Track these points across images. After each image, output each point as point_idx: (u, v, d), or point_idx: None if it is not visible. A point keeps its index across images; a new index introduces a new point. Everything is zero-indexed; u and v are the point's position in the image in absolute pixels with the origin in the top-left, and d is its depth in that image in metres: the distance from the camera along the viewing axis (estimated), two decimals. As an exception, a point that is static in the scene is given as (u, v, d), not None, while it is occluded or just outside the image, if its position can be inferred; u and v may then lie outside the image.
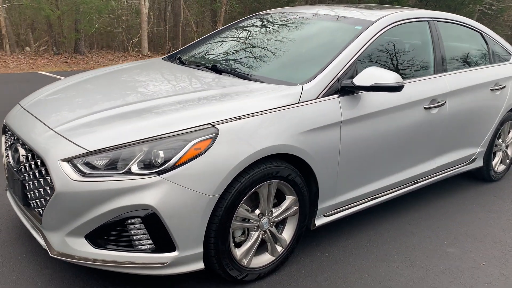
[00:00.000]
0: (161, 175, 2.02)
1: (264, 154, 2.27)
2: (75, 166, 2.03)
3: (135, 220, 2.04)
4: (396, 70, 3.09)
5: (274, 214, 2.48)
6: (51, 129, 2.23)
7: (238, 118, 2.24)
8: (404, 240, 3.03)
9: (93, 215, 2.03)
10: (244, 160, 2.18)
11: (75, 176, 2.01)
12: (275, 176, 2.37)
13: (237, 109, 2.28)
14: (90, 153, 2.04)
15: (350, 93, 2.70)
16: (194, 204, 2.08)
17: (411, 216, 3.39)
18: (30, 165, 2.24)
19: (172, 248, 2.11)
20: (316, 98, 2.55)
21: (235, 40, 3.49)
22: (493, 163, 4.15)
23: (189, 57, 3.41)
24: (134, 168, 2.03)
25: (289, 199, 2.52)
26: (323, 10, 3.47)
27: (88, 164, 2.04)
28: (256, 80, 2.70)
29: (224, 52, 3.35)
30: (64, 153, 2.06)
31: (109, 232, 2.07)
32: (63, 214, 2.06)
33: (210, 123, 2.17)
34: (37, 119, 2.36)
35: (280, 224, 2.61)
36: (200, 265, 2.21)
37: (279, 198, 2.54)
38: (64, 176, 2.02)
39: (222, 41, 3.57)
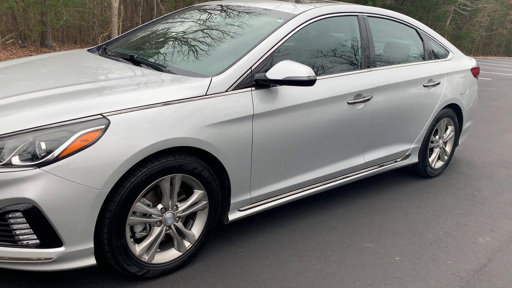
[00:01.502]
0: (42, 167, 1.94)
1: (164, 147, 2.21)
2: (-46, 157, 1.94)
3: (16, 214, 1.96)
4: (319, 64, 3.06)
5: (180, 209, 2.43)
6: None
7: (135, 109, 2.17)
8: (325, 235, 3.01)
9: (-29, 209, 1.94)
10: (138, 153, 2.12)
11: (-49, 168, 1.92)
12: (178, 170, 2.32)
13: (136, 100, 2.21)
14: (-32, 144, 1.95)
15: (265, 86, 2.66)
16: (80, 198, 2.01)
17: (339, 210, 3.38)
18: None
19: (58, 243, 2.04)
20: (226, 91, 2.50)
21: (160, 32, 3.43)
22: (430, 159, 4.18)
23: (113, 48, 3.33)
24: (15, 159, 1.95)
25: (196, 193, 2.47)
26: (253, 3, 3.43)
27: (-30, 156, 1.95)
28: (168, 72, 2.64)
29: (146, 43, 3.28)
30: None
31: (-10, 227, 1.99)
32: None
33: (101, 114, 2.10)
34: None
35: (190, 219, 2.56)
36: (91, 261, 2.14)
37: (189, 192, 2.49)
38: None
39: (149, 32, 3.50)
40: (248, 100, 2.57)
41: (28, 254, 2.01)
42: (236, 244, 2.80)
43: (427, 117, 3.90)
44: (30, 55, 12.05)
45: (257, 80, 2.62)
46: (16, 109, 2.11)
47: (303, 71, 2.57)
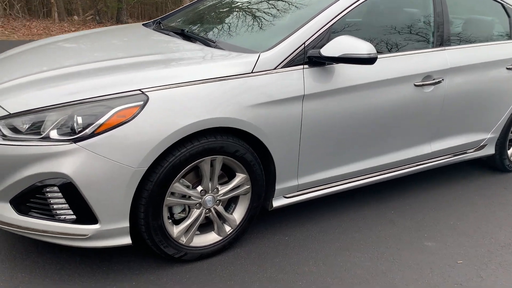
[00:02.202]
0: (78, 143, 1.90)
1: (204, 127, 2.09)
2: (-2, 129, 1.96)
3: (53, 188, 1.95)
4: (382, 41, 2.76)
5: (221, 192, 2.31)
6: (-13, 89, 2.16)
7: (175, 86, 2.06)
8: (379, 229, 2.77)
9: (13, 180, 1.95)
10: (177, 132, 2.01)
11: (-5, 139, 1.94)
12: (219, 152, 2.19)
13: (177, 76, 2.10)
14: (11, 116, 1.95)
15: (319, 64, 2.43)
16: (115, 176, 1.95)
17: (398, 203, 3.10)
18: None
19: (93, 221, 2.01)
20: (275, 69, 2.31)
21: (214, 6, 3.29)
22: (509, 152, 3.71)
23: (167, 22, 3.24)
24: (53, 133, 1.92)
25: (238, 177, 2.33)
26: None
27: (12, 127, 1.96)
28: (216, 47, 2.49)
29: (199, 18, 3.17)
30: (-13, 115, 1.99)
31: (30, 199, 1.99)
32: (-14, 178, 2.00)
33: (140, 90, 2.01)
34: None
35: (232, 203, 2.44)
36: (126, 240, 2.09)
37: (232, 175, 2.37)
38: (-16, 139, 1.95)
39: (204, 7, 3.37)
40: (299, 79, 2.36)
41: (64, 229, 2.00)
42: (280, 232, 2.65)
43: (508, 105, 3.43)
44: (106, 31, 12.56)
45: (311, 57, 2.40)
46: (57, 82, 2.08)
47: (363, 47, 2.31)
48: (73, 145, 1.90)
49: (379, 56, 2.64)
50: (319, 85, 2.41)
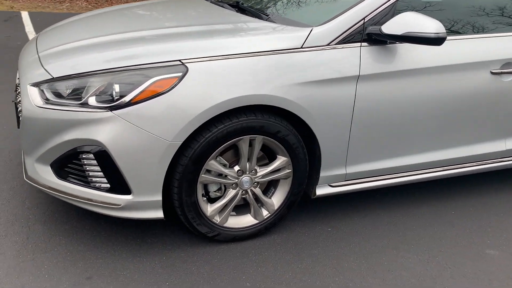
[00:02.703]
0: (114, 111, 1.86)
1: (244, 104, 1.97)
2: (42, 92, 1.98)
3: (89, 155, 1.94)
4: (455, 21, 2.43)
5: (259, 174, 2.19)
6: (37, 53, 2.20)
7: (217, 58, 1.95)
8: (435, 230, 2.50)
9: (53, 144, 1.97)
10: (215, 107, 1.91)
11: (39, 102, 1.96)
12: (259, 131, 2.06)
13: (220, 48, 1.99)
14: (54, 80, 1.96)
15: (380, 43, 2.20)
16: (149, 148, 1.90)
17: (460, 203, 2.79)
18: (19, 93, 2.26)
19: (127, 191, 1.98)
20: (328, 45, 2.12)
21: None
22: None
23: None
24: (92, 100, 1.90)
25: (279, 160, 2.20)
26: None
27: (55, 92, 1.97)
28: (268, 20, 2.34)
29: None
30: (33, 78, 2.02)
31: (68, 165, 2.01)
32: (30, 139, 2.05)
33: (179, 60, 1.92)
34: (36, 45, 2.36)
35: (272, 186, 2.32)
36: (158, 214, 2.05)
37: (273, 157, 2.24)
38: (29, 101, 1.98)
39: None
40: (355, 58, 2.15)
41: (99, 197, 2.00)
42: (323, 222, 2.49)
43: None
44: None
45: (370, 35, 2.17)
46: (101, 49, 2.05)
47: (430, 26, 2.04)
48: (109, 113, 1.86)
49: (450, 37, 2.35)
50: (378, 66, 2.19)
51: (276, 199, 2.29)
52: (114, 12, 2.87)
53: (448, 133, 2.50)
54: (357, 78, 2.15)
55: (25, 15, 8.21)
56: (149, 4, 3.01)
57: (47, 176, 2.06)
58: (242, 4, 2.67)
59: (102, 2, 12.40)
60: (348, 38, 2.15)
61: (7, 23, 7.41)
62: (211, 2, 2.95)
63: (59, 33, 2.49)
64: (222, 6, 2.74)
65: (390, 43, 2.22)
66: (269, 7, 2.67)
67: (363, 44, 2.18)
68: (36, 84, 1.99)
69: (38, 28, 6.93)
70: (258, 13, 2.45)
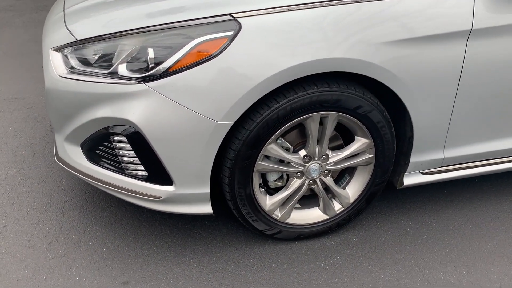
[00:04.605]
0: (148, 83, 1.46)
1: (314, 71, 1.49)
2: (66, 58, 1.61)
3: (120, 138, 1.57)
4: None
5: (331, 160, 1.73)
6: (63, 9, 1.83)
7: (278, 10, 1.47)
8: (558, 231, 1.94)
9: (79, 123, 1.62)
10: (276, 76, 1.45)
11: (62, 70, 1.60)
12: (334, 107, 1.59)
13: (282, -4, 1.49)
14: (78, 43, 1.58)
15: (502, -16, 1.60)
16: (192, 130, 1.49)
17: None
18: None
19: (168, 181, 1.61)
20: (430, -12, 1.55)
21: None
22: None
23: None
24: (122, 68, 1.51)
25: (358, 142, 1.72)
26: None
27: (81, 58, 1.59)
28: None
29: None
30: (56, 41, 1.65)
31: (99, 147, 1.66)
32: (56, 114, 1.72)
33: (230, 14, 1.46)
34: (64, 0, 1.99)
35: (346, 174, 1.86)
36: (206, 209, 1.67)
37: (348, 138, 1.76)
38: (52, 69, 1.63)
39: None
40: (467, 6, 1.57)
41: (135, 187, 1.65)
42: (409, 217, 2.00)
43: None
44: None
45: (489, -26, 1.57)
46: (131, 1, 1.63)
47: None
48: (142, 86, 1.46)
49: None
50: (498, 16, 1.60)
51: (352, 190, 1.83)
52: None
53: None
54: (469, 33, 1.58)
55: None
56: None
57: (78, 158, 1.73)
58: None
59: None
60: (458, -21, 1.56)
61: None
62: None
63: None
64: None
65: (517, -16, 1.61)
66: None
67: (478, -14, 1.59)
68: (59, 49, 1.63)
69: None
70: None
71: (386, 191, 2.07)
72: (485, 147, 1.88)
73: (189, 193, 1.62)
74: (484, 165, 1.95)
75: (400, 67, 1.56)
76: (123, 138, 1.56)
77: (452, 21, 1.56)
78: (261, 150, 1.60)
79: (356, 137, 1.72)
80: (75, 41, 1.58)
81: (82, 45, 1.57)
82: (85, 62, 1.58)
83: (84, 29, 1.61)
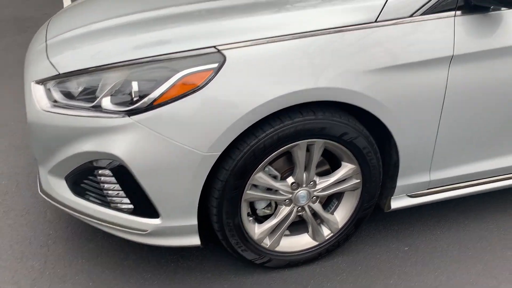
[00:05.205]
0: (133, 116, 1.45)
1: (300, 101, 1.50)
2: (49, 92, 1.59)
3: (105, 171, 1.55)
4: None
5: (319, 186, 1.73)
6: (45, 40, 1.81)
7: (262, 41, 1.48)
8: (545, 249, 1.96)
9: (63, 156, 1.60)
10: (262, 107, 1.45)
11: (45, 104, 1.57)
12: (320, 134, 1.59)
13: (266, 27, 1.50)
14: (61, 76, 1.56)
15: (481, 10, 1.63)
16: (179, 162, 1.48)
17: None
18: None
19: (154, 214, 1.59)
20: (411, 16, 1.58)
21: None
22: None
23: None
24: (106, 102, 1.49)
25: (345, 168, 1.72)
26: None
27: (65, 91, 1.57)
28: (328, -14, 1.81)
29: None
30: (38, 73, 1.63)
31: (83, 180, 1.63)
32: (39, 148, 1.69)
33: (214, 46, 1.46)
34: (46, 30, 1.97)
35: (334, 198, 1.86)
36: (194, 241, 1.65)
37: (335, 163, 1.77)
38: (33, 102, 1.60)
39: None
40: (447, 32, 1.60)
41: (121, 220, 1.62)
42: (398, 239, 2.01)
43: None
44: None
45: (468, 0, 1.61)
46: (114, 34, 1.62)
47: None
48: (127, 119, 1.45)
49: None
50: (478, 42, 1.63)
51: (341, 215, 1.83)
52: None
53: None
54: (450, 59, 1.61)
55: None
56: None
57: (62, 191, 1.70)
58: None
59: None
60: (438, 6, 1.59)
61: None
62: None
63: (73, 14, 2.08)
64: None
65: (494, 10, 1.64)
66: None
67: (458, 13, 1.62)
68: (41, 82, 1.61)
69: (75, 4, 6.64)
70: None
71: (374, 213, 2.08)
72: (471, 168, 1.90)
73: (176, 226, 1.60)
74: (470, 186, 1.97)
75: (384, 94, 1.57)
76: (108, 172, 1.54)
77: (434, 48, 1.59)
78: (249, 179, 1.59)
79: (342, 162, 1.73)
80: (57, 75, 1.57)
81: (65, 78, 1.56)
82: (68, 95, 1.56)
83: (67, 62, 1.59)
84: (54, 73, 1.57)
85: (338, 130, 1.60)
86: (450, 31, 1.60)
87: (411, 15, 1.58)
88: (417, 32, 1.58)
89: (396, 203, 1.87)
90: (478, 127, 1.78)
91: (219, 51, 1.46)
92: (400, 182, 1.81)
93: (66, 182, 1.68)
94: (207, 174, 1.52)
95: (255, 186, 1.65)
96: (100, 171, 1.56)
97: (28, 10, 6.08)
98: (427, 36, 1.58)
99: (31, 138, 1.71)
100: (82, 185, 1.65)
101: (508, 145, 1.88)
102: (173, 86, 1.44)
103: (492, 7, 1.62)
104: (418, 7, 1.58)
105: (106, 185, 1.58)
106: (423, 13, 1.58)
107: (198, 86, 1.44)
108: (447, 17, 1.61)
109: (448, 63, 1.61)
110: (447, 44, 1.60)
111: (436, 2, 1.59)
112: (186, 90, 1.44)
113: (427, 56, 1.58)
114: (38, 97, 1.60)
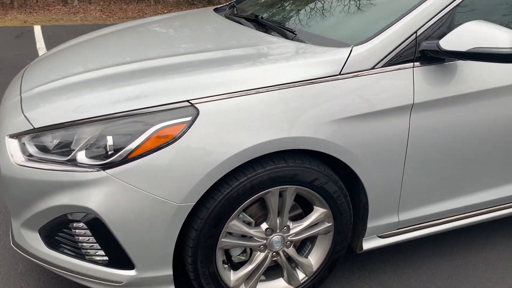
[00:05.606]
0: (108, 170, 1.48)
1: (270, 150, 1.56)
2: (24, 146, 1.60)
3: (80, 224, 1.56)
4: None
5: (292, 231, 1.78)
6: (20, 93, 1.83)
7: (234, 95, 1.55)
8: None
9: (37, 210, 1.60)
10: (235, 157, 1.51)
11: (19, 158, 1.59)
12: (291, 181, 1.65)
13: (238, 81, 1.58)
14: (35, 131, 1.59)
15: (437, 61, 1.76)
16: (153, 214, 1.50)
17: (534, 244, 2.31)
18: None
19: (129, 265, 1.60)
20: (373, 68, 1.68)
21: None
22: None
23: (243, 6, 2.72)
24: (81, 156, 1.52)
25: (316, 212, 1.78)
26: None
27: (40, 145, 1.59)
28: (295, 39, 1.91)
29: (275, 3, 2.58)
30: (13, 127, 1.65)
31: (57, 233, 1.63)
32: (13, 201, 1.69)
33: (187, 101, 1.52)
34: (21, 81, 2.00)
35: (308, 242, 1.90)
36: (170, 291, 1.66)
37: (307, 207, 1.82)
38: (8, 156, 1.61)
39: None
40: (407, 82, 1.71)
41: (96, 272, 1.62)
42: (371, 278, 2.05)
43: None
44: (197, 13, 12.43)
45: (425, 52, 1.73)
46: (90, 88, 1.67)
47: (504, 38, 1.59)
48: (101, 173, 1.48)
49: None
50: (436, 90, 1.75)
51: (315, 259, 1.87)
52: (115, 34, 2.49)
53: (521, 164, 2.03)
54: (411, 107, 1.72)
55: (37, 30, 7.99)
56: (153, 22, 2.63)
57: (35, 244, 1.69)
58: (262, 18, 2.25)
59: (116, 11, 12.17)
60: (397, 58, 1.71)
61: (19, 39, 7.18)
62: (226, 16, 2.54)
63: (48, 65, 2.13)
64: (239, 22, 2.32)
65: (449, 60, 1.77)
66: (294, 20, 2.25)
67: (416, 64, 1.74)
68: (16, 136, 1.62)
69: (49, 44, 6.68)
70: (282, 30, 2.03)
71: (347, 254, 2.12)
72: (438, 207, 1.99)
73: (152, 276, 1.61)
74: (439, 224, 2.05)
75: (351, 141, 1.65)
76: (83, 225, 1.55)
77: (395, 97, 1.69)
78: (223, 227, 1.62)
79: (314, 207, 1.78)
80: (32, 129, 1.59)
81: (40, 132, 1.58)
82: (43, 149, 1.58)
83: (42, 116, 1.61)
84: (29, 127, 1.60)
85: (309, 176, 1.66)
86: (410, 81, 1.72)
87: (373, 67, 1.69)
88: (379, 82, 1.68)
89: (368, 244, 1.93)
90: (441, 169, 1.88)
91: (192, 104, 1.52)
92: (370, 223, 1.88)
93: (40, 235, 1.68)
94: (181, 224, 1.55)
95: (229, 233, 1.68)
96: (75, 224, 1.57)
97: (0, 51, 6.09)
98: (389, 86, 1.69)
99: (4, 191, 1.70)
100: (56, 237, 1.64)
101: (471, 184, 1.98)
102: (147, 139, 1.48)
103: (446, 59, 1.75)
104: (378, 60, 1.69)
105: (80, 238, 1.59)
106: (384, 65, 1.70)
107: (172, 139, 1.49)
108: (406, 68, 1.72)
109: (409, 110, 1.72)
110: (408, 93, 1.71)
111: (395, 55, 1.71)
112: (160, 143, 1.48)
113: (389, 105, 1.68)
114: (12, 151, 1.61)
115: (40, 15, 10.42)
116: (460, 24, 1.67)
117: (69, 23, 9.33)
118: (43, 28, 8.25)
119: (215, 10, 2.79)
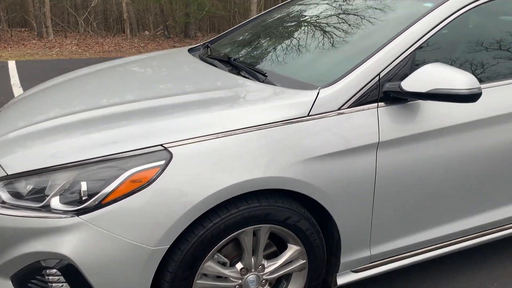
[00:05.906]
0: (82, 216, 1.49)
1: (244, 190, 1.61)
2: (-4, 192, 1.61)
3: (53, 271, 1.55)
4: (483, 67, 2.10)
5: (267, 270, 1.80)
6: (-5, 139, 1.84)
7: (206, 138, 1.60)
8: (480, 313, 2.10)
9: (10, 257, 1.59)
10: (208, 199, 1.54)
11: (-9, 205, 1.59)
12: (265, 220, 1.69)
13: (209, 124, 1.64)
14: (8, 177, 1.59)
15: (399, 101, 1.85)
16: (128, 258, 1.52)
17: (500, 272, 2.39)
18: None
19: (105, 311, 1.59)
20: (339, 109, 1.77)
21: (271, 27, 2.79)
22: None
23: (217, 47, 2.81)
24: (55, 202, 1.53)
25: (290, 250, 1.81)
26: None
27: (13, 191, 1.59)
28: (266, 81, 1.99)
29: (250, 42, 2.68)
30: (-14, 174, 1.65)
31: (30, 280, 1.62)
32: (-15, 249, 1.67)
33: (161, 145, 1.56)
34: (-4, 125, 2.00)
35: (284, 279, 1.92)
36: (145, 335, 1.65)
37: (281, 245, 1.85)
38: (-20, 203, 1.61)
39: (259, 27, 2.90)
40: (372, 122, 1.80)
41: (71, 320, 1.60)
42: (347, 312, 2.08)
43: None
44: (174, 46, 12.62)
45: (388, 93, 1.83)
46: (63, 133, 1.70)
47: (461, 80, 1.70)
48: (75, 219, 1.49)
49: (485, 85, 2.00)
50: (399, 129, 1.83)
51: (290, 296, 1.89)
52: (92, 75, 2.54)
53: (484, 196, 2.12)
54: (377, 145, 1.79)
55: (12, 65, 7.97)
56: (128, 63, 2.69)
57: (7, 291, 1.67)
58: (235, 60, 2.33)
59: (92, 44, 12.24)
60: (362, 99, 1.80)
61: (-8, 75, 7.14)
62: (200, 57, 2.61)
63: (24, 108, 2.15)
64: (212, 64, 2.40)
65: (411, 100, 1.87)
66: (265, 61, 2.33)
67: (380, 104, 1.83)
68: (-12, 182, 1.62)
69: (23, 79, 6.66)
70: (254, 72, 2.11)
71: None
72: (409, 240, 2.04)
73: (127, 321, 1.60)
74: (411, 256, 2.10)
75: (322, 180, 1.71)
76: (56, 271, 1.55)
77: (361, 136, 1.77)
78: (198, 269, 1.64)
79: (288, 244, 1.82)
80: (6, 176, 1.60)
81: (14, 179, 1.59)
82: (16, 195, 1.58)
83: (15, 163, 1.62)
84: (3, 174, 1.60)
85: (282, 214, 1.70)
86: (375, 120, 1.80)
87: (339, 108, 1.77)
88: (346, 123, 1.76)
89: (342, 279, 1.96)
90: (409, 203, 1.95)
91: (165, 148, 1.56)
92: (344, 258, 1.92)
93: (12, 282, 1.65)
94: (156, 267, 1.56)
95: (205, 275, 1.70)
96: (48, 271, 1.56)
97: (-27, 89, 6.04)
98: (355, 126, 1.77)
99: (-24, 239, 1.68)
100: (29, 285, 1.63)
101: (439, 216, 2.05)
102: (121, 184, 1.51)
103: (408, 99, 1.85)
104: (345, 101, 1.77)
105: (54, 285, 1.58)
106: (350, 106, 1.78)
107: (146, 183, 1.52)
108: (371, 108, 1.81)
109: (375, 149, 1.79)
110: (373, 132, 1.79)
111: (360, 96, 1.79)
112: (134, 187, 1.51)
113: (356, 144, 1.76)
114: (-16, 198, 1.60)
115: (15, 50, 10.40)
116: (420, 65, 1.79)
117: (44, 58, 9.34)
118: (17, 63, 8.23)
119: (190, 50, 2.86)
